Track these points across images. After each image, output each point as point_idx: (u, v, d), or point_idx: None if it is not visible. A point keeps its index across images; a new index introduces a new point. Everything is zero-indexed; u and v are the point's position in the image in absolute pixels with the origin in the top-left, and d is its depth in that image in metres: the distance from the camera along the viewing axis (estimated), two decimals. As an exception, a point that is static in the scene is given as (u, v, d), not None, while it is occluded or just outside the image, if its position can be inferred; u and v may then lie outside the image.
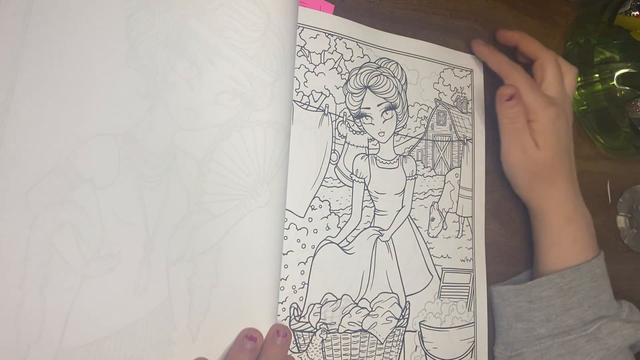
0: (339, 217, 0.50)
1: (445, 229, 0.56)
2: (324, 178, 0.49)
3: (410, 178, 0.54)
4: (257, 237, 0.34)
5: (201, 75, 0.31)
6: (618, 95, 0.51)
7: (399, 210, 0.53)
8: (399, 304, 0.51)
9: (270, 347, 0.32)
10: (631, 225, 0.57)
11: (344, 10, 0.44)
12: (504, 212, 0.48)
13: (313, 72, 0.49)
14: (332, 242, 0.49)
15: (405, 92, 0.55)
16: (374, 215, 0.52)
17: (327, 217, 0.49)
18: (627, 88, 0.51)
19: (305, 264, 0.47)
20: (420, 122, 0.55)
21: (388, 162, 0.53)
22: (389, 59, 0.54)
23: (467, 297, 0.53)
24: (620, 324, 0.40)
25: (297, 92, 0.48)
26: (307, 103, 0.48)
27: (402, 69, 0.55)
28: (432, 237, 0.54)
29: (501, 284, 0.47)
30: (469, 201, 0.54)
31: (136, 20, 0.29)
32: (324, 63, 0.50)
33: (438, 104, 0.56)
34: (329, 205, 0.49)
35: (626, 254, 0.57)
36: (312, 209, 0.48)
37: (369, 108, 0.52)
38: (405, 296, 0.52)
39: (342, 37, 0.51)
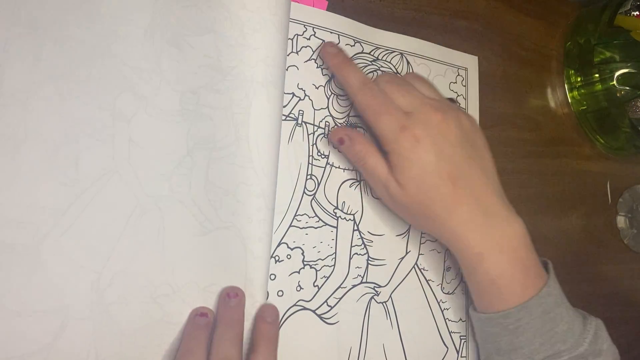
0: (317, 270, 0.35)
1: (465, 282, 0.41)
2: (294, 215, 0.35)
3: (418, 212, 0.38)
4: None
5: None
6: (618, 95, 0.51)
7: (402, 258, 0.39)
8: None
9: (224, 310, 0.30)
10: (631, 225, 0.57)
11: (343, 10, 0.39)
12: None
13: (281, 64, 0.35)
14: (305, 309, 0.34)
15: (412, 93, 0.40)
16: (367, 266, 0.37)
17: (298, 272, 0.34)
18: (627, 88, 0.51)
19: (265, 341, 0.32)
20: (432, 135, 0.39)
21: (387, 190, 0.38)
22: (389, 49, 0.40)
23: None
24: None
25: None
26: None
27: (407, 61, 0.40)
28: (448, 293, 0.40)
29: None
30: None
31: None
32: (297, 52, 0.36)
33: None
34: (302, 254, 0.35)
35: (626, 254, 0.57)
36: (277, 261, 0.34)
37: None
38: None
39: (332, 32, 0.37)
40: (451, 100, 0.37)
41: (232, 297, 0.30)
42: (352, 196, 0.37)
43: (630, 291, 0.54)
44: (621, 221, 0.56)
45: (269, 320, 0.31)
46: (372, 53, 0.39)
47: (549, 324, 0.34)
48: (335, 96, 0.37)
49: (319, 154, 0.36)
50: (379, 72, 0.40)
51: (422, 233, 0.40)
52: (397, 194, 0.34)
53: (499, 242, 0.34)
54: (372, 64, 0.39)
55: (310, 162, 0.36)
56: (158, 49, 0.30)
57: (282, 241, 0.34)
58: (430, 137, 0.33)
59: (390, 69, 0.40)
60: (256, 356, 0.29)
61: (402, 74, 0.41)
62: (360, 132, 0.36)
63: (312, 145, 0.36)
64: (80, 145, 0.27)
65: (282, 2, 0.33)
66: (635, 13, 0.49)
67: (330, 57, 0.36)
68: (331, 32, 0.37)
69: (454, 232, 0.34)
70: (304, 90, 0.36)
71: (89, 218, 0.27)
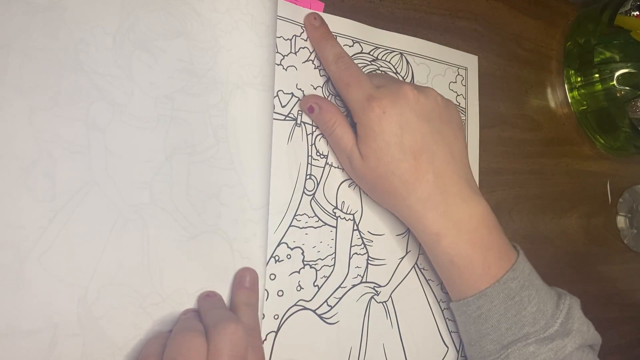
0: (317, 270, 0.35)
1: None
2: (294, 215, 0.35)
3: (418, 212, 0.38)
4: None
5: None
6: (618, 95, 0.51)
7: (402, 258, 0.38)
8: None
9: (205, 301, 0.29)
10: (631, 225, 0.57)
11: (343, 10, 0.39)
12: (504, 212, 0.46)
13: (280, 64, 0.35)
14: (305, 309, 0.34)
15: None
16: (367, 266, 0.37)
17: (298, 272, 0.34)
18: (627, 88, 0.51)
19: (264, 341, 0.32)
20: (432, 135, 0.39)
21: (387, 190, 0.38)
22: (389, 49, 0.40)
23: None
24: (535, 349, 0.32)
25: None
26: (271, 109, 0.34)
27: (407, 61, 0.40)
28: (448, 293, 0.40)
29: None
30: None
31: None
32: (295, 53, 0.36)
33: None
34: (302, 254, 0.35)
35: (626, 254, 0.57)
36: (277, 261, 0.34)
37: (361, 116, 0.37)
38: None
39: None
40: None
41: (211, 296, 0.30)
42: (352, 196, 0.37)
43: (630, 291, 0.54)
44: (621, 221, 0.56)
45: (247, 285, 0.30)
46: (371, 53, 0.39)
47: (515, 308, 0.33)
48: (333, 97, 0.37)
49: (318, 154, 0.36)
50: (378, 72, 0.40)
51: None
52: (358, 166, 0.33)
53: (457, 222, 0.33)
54: (372, 64, 0.39)
55: (310, 162, 0.36)
56: (128, 54, 0.29)
57: (282, 241, 0.34)
58: (397, 109, 0.32)
59: (390, 68, 0.40)
60: (240, 318, 0.28)
61: (402, 73, 0.41)
62: (331, 102, 0.36)
63: (311, 145, 0.36)
64: (56, 159, 0.27)
65: (256, 1, 0.33)
66: (635, 13, 0.49)
67: (311, 29, 0.36)
68: (330, 33, 0.37)
69: (412, 209, 0.33)
70: (303, 91, 0.36)
71: (71, 233, 0.27)
